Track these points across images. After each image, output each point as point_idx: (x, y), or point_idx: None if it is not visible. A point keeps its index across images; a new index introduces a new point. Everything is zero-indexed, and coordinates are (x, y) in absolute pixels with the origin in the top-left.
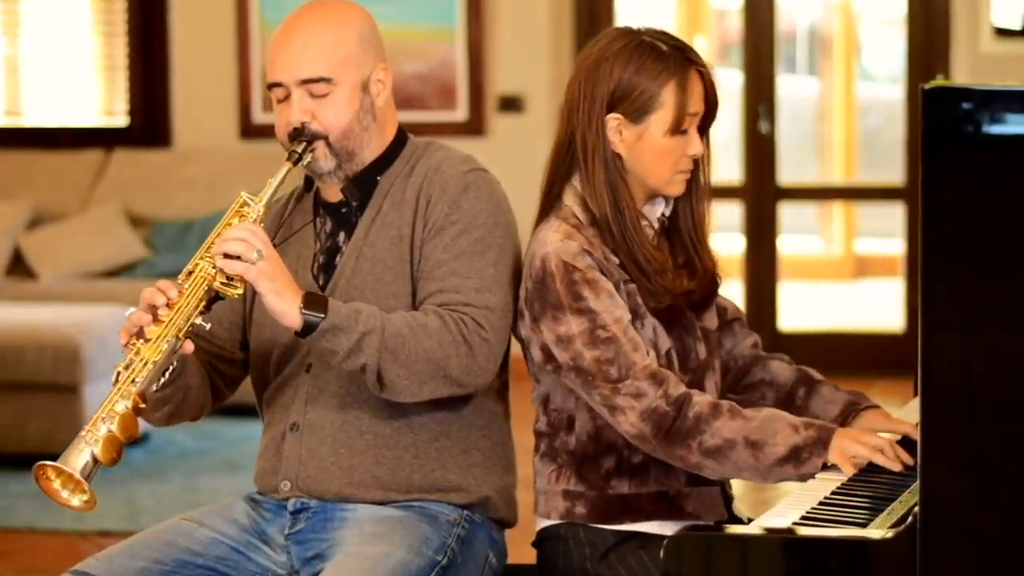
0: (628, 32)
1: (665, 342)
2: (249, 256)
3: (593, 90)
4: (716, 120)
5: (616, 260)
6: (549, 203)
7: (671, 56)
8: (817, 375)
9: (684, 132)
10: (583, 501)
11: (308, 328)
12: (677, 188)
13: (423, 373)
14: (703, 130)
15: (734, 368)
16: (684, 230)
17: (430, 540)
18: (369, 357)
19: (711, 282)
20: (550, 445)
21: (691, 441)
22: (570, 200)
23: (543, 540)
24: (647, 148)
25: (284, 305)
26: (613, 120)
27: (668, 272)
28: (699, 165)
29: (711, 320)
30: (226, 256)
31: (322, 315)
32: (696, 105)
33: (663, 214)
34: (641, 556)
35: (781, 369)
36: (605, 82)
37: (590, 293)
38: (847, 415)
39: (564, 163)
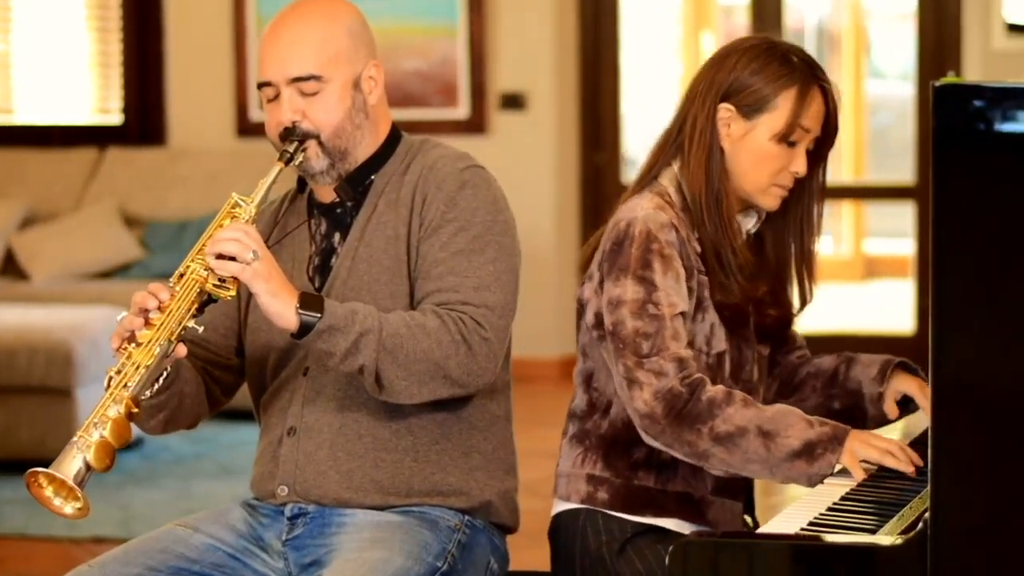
0: (766, 37)
1: (721, 344)
2: (244, 256)
3: (714, 76)
4: (832, 147)
5: (698, 248)
6: (645, 182)
7: (799, 67)
8: (852, 353)
9: (792, 145)
10: (606, 487)
11: (304, 329)
12: (771, 201)
13: (422, 374)
14: (818, 156)
15: (782, 375)
16: (778, 258)
17: (430, 546)
18: (367, 358)
19: (789, 320)
20: (581, 427)
21: (702, 426)
22: (666, 181)
23: (559, 524)
24: (750, 148)
25: (280, 306)
26: (725, 111)
27: (747, 274)
28: (811, 195)
29: (765, 347)
30: (219, 257)
31: (318, 315)
32: (811, 121)
33: (750, 230)
34: (658, 551)
35: (822, 360)
36: (727, 71)
37: (660, 267)
38: (884, 369)
39: (670, 147)
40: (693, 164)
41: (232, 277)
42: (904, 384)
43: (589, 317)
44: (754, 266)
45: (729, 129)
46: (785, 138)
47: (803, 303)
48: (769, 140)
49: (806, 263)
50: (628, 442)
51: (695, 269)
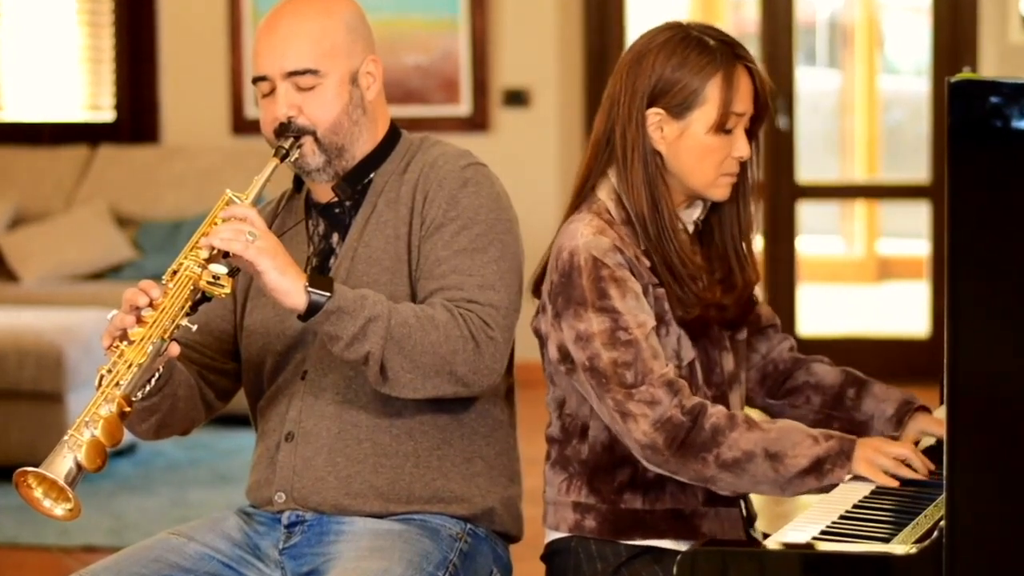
0: (675, 25)
1: (689, 352)
2: (242, 237)
3: (634, 83)
4: (765, 122)
5: (647, 263)
6: (582, 196)
7: (718, 50)
8: (863, 375)
9: (729, 132)
10: (593, 514)
11: (312, 309)
12: (721, 192)
13: (428, 367)
14: (752, 132)
15: (773, 372)
16: (725, 241)
17: (431, 555)
18: (373, 345)
19: (749, 300)
20: (561, 453)
21: (707, 454)
22: (604, 195)
23: (552, 554)
24: (689, 146)
25: (288, 284)
26: (654, 115)
27: (702, 280)
28: (744, 169)
29: (740, 333)
30: (220, 242)
31: (328, 294)
32: (743, 104)
33: (697, 219)
34: (655, 571)
35: (825, 371)
36: (647, 75)
37: (616, 292)
38: (902, 414)
39: (601, 158)
40: (632, 178)
41: (227, 275)
42: (922, 423)
43: (552, 351)
44: (705, 268)
45: (663, 133)
46: (721, 127)
47: (747, 284)
48: (706, 134)
49: (740, 241)
50: (611, 465)
51: (649, 284)
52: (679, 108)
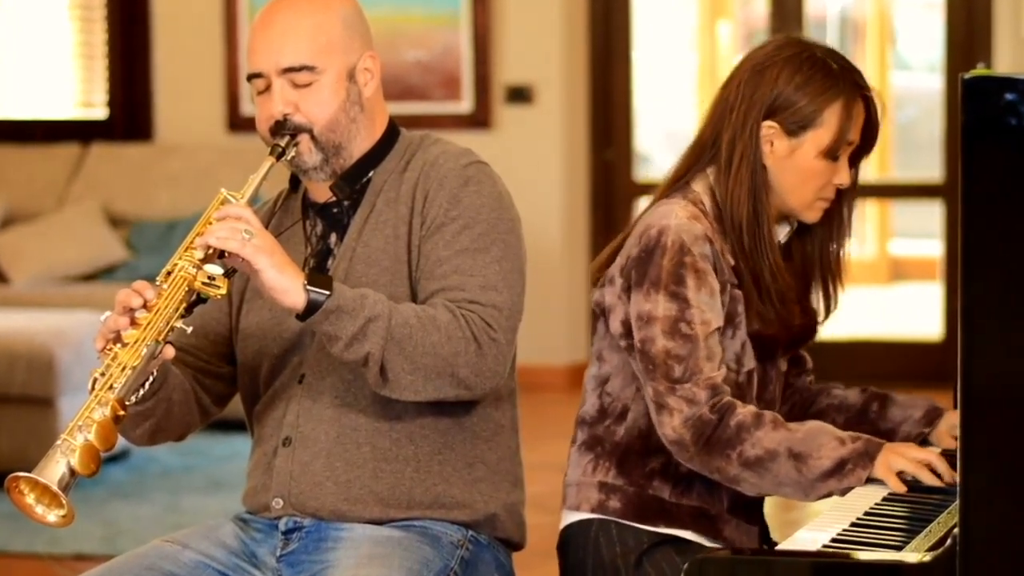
0: (800, 42)
1: (751, 361)
2: (238, 236)
3: (753, 94)
4: (870, 156)
5: (731, 261)
6: (676, 187)
7: (840, 76)
8: (882, 390)
9: (836, 158)
10: (619, 496)
11: (311, 308)
12: (815, 215)
13: (429, 369)
14: (854, 163)
15: (799, 401)
16: (809, 263)
17: (431, 563)
18: (373, 346)
19: (812, 330)
20: (591, 433)
21: (730, 451)
22: (700, 188)
23: (569, 539)
24: (796, 165)
25: (287, 282)
26: (768, 128)
27: (787, 297)
28: (843, 200)
29: (783, 363)
30: (216, 240)
31: (327, 292)
32: (855, 134)
33: (779, 242)
34: (677, 563)
35: (846, 392)
36: (768, 88)
37: (693, 282)
38: (932, 416)
39: (703, 159)
40: (733, 185)
41: (223, 275)
42: (953, 418)
43: (615, 325)
44: (793, 287)
45: (772, 147)
46: (832, 154)
47: (828, 310)
48: (816, 157)
49: (835, 268)
50: (644, 451)
51: (728, 283)
52: (795, 126)
